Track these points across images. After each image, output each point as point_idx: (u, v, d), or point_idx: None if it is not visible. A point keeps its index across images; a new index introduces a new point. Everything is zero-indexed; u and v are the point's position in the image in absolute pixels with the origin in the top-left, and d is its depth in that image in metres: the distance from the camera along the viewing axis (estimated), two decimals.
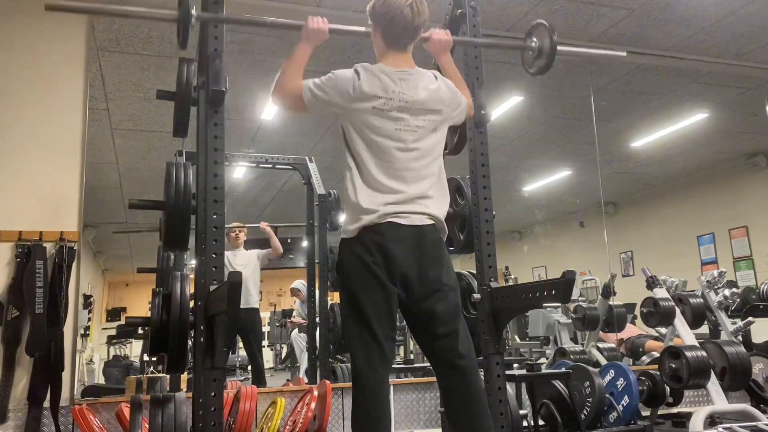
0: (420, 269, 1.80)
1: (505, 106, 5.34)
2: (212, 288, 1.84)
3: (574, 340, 5.59)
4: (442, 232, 1.89)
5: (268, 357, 7.44)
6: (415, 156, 1.86)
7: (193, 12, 1.87)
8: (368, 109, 1.83)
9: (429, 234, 1.84)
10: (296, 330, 6.54)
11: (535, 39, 2.25)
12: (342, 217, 1.85)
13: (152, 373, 4.20)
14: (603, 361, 4.63)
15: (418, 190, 1.84)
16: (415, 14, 1.87)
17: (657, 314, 3.54)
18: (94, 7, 2.04)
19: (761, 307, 4.38)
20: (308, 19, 1.94)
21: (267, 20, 2.07)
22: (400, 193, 1.81)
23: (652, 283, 3.70)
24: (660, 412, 3.67)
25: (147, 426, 2.08)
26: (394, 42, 1.92)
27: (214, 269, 1.87)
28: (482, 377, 2.03)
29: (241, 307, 4.71)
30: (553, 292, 1.88)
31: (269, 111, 5.08)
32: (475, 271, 2.33)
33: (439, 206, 1.89)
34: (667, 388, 3.46)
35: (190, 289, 1.89)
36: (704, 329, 4.57)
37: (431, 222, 1.85)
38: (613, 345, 5.11)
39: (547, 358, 5.49)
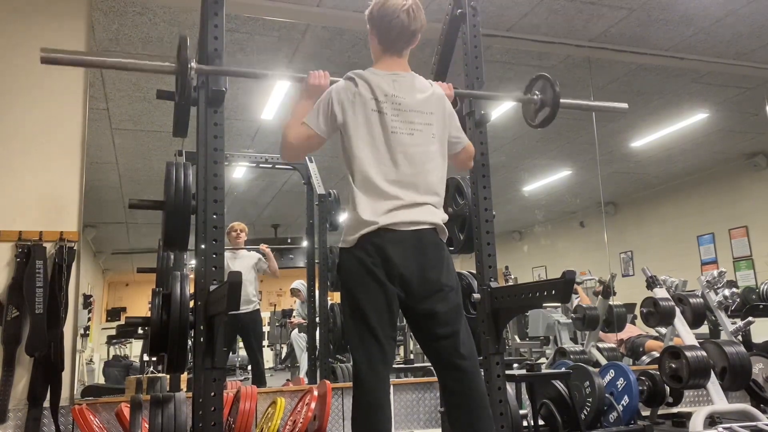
0: (420, 271, 1.80)
1: (505, 106, 5.33)
2: (212, 288, 1.84)
3: (574, 340, 5.59)
4: (442, 234, 1.89)
5: (268, 357, 7.44)
6: (414, 159, 1.85)
7: (192, 65, 1.85)
8: (366, 113, 1.83)
9: (428, 236, 1.83)
10: (296, 330, 6.55)
11: (537, 92, 2.32)
12: (341, 218, 1.85)
13: (152, 373, 4.19)
14: (603, 361, 4.62)
15: (417, 195, 1.83)
16: (412, 19, 1.89)
17: (657, 314, 3.54)
18: (89, 60, 2.02)
19: (761, 307, 4.38)
20: (309, 74, 1.95)
21: (268, 73, 2.18)
22: (399, 199, 1.80)
23: (652, 283, 3.70)
24: (660, 412, 3.67)
25: (147, 426, 2.08)
26: (391, 46, 1.93)
27: (214, 269, 1.87)
28: (483, 378, 2.03)
29: (241, 309, 4.70)
30: (553, 292, 1.88)
31: (269, 111, 5.07)
32: (475, 271, 2.33)
33: (438, 209, 1.89)
34: (667, 388, 3.46)
35: (190, 289, 1.89)
36: (704, 329, 4.57)
37: (431, 225, 1.85)
38: (613, 345, 5.11)
39: (547, 358, 5.49)
